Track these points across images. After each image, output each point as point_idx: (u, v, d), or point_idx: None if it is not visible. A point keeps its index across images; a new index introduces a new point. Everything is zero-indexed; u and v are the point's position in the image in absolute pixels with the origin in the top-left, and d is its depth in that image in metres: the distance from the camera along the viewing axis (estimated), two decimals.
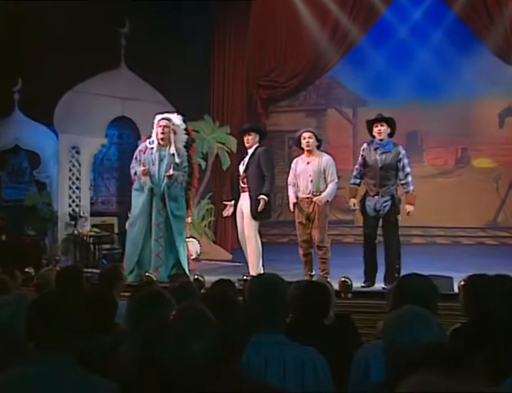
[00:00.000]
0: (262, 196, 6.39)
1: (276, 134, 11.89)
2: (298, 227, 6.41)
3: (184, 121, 7.03)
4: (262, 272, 6.14)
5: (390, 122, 6.17)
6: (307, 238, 6.36)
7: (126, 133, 10.38)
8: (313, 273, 6.37)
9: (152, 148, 6.75)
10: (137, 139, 10.08)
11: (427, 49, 10.97)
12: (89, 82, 9.31)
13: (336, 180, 6.41)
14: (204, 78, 10.59)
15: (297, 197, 6.41)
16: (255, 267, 6.40)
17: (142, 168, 6.66)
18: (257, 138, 6.59)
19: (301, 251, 6.41)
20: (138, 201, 6.81)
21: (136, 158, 6.85)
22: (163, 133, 6.67)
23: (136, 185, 6.85)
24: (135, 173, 6.80)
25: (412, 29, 11.01)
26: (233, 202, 6.67)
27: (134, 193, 6.88)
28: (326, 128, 12.02)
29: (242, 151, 6.88)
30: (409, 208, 6.08)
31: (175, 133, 6.79)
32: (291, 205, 6.45)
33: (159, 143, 6.71)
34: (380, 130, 6.08)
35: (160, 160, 6.72)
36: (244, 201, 6.49)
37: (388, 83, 11.10)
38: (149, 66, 9.51)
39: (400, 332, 1.93)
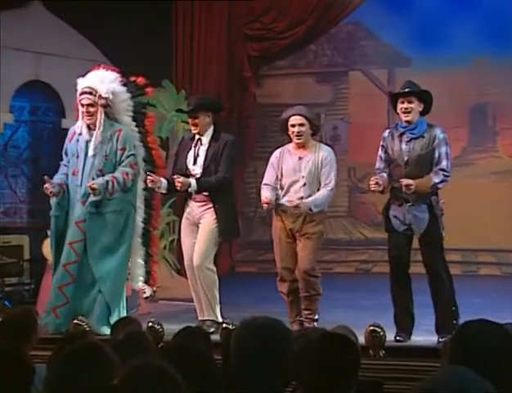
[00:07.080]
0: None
1: (271, 110, 11.91)
2: (279, 246, 6.49)
3: (126, 79, 6.90)
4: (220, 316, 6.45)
5: (423, 96, 6.19)
6: (291, 264, 6.43)
7: (43, 106, 10.39)
8: (303, 317, 6.46)
9: (80, 134, 6.75)
10: (60, 115, 10.09)
11: None
12: None
13: (332, 186, 6.49)
14: (164, 24, 10.62)
15: (280, 204, 6.48)
16: (213, 308, 6.54)
17: (49, 185, 6.60)
18: (208, 119, 6.64)
19: (282, 286, 6.47)
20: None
21: (65, 153, 6.88)
22: (89, 116, 6.65)
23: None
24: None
25: None
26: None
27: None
28: (348, 99, 12.09)
29: (189, 135, 6.81)
30: (406, 181, 5.91)
31: (108, 106, 6.76)
32: (265, 204, 6.41)
33: (88, 127, 6.69)
34: (407, 108, 6.10)
35: (87, 151, 6.70)
36: (202, 213, 6.61)
37: (443, 32, 11.16)
38: (78, 5, 9.53)
39: None
